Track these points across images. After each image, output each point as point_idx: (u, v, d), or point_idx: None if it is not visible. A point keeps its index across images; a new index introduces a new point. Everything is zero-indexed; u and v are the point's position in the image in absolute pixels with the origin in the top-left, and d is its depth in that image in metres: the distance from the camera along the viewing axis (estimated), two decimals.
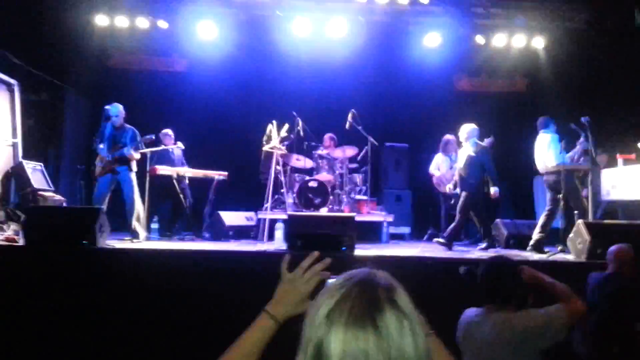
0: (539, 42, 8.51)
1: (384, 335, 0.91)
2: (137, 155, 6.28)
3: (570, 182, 5.92)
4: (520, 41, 8.45)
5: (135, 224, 6.06)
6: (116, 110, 6.26)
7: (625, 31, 7.71)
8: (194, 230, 6.98)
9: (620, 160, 6.54)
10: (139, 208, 6.17)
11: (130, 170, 6.21)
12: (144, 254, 5.17)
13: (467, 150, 6.41)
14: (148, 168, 6.56)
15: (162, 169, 6.73)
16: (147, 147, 6.54)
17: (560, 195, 5.82)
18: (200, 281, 4.44)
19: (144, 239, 6.08)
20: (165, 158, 6.99)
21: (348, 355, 0.90)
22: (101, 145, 6.13)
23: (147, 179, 6.51)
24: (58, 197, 6.25)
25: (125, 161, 6.16)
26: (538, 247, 5.76)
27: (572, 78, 8.24)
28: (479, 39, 8.45)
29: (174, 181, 6.78)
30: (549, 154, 6.05)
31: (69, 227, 4.84)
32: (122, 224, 6.23)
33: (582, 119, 6.15)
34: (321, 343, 0.93)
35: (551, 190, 6.05)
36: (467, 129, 6.53)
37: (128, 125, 6.34)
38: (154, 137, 6.56)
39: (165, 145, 7.05)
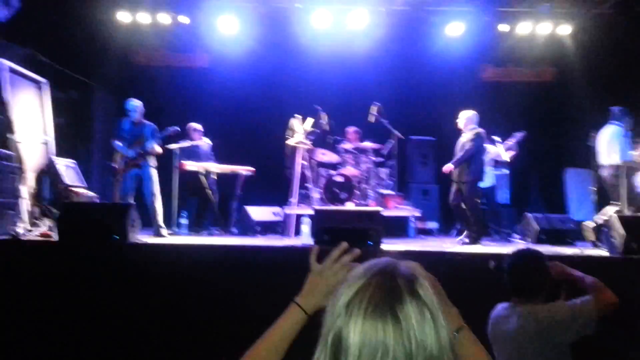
0: (566, 30, 8.28)
1: (403, 327, 0.89)
2: (159, 150, 6.37)
3: (614, 178, 5.83)
4: (546, 29, 8.23)
5: (157, 219, 6.14)
6: (134, 105, 6.34)
7: None
8: (222, 226, 7.05)
9: None
10: (159, 203, 6.24)
11: (152, 165, 6.30)
12: (173, 248, 5.26)
13: (465, 138, 6.23)
14: (176, 164, 6.64)
15: (190, 165, 6.80)
16: (172, 139, 6.60)
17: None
18: (229, 276, 4.48)
19: (166, 234, 6.14)
20: (192, 153, 7.06)
21: (367, 346, 0.89)
22: (119, 143, 6.24)
23: (176, 174, 6.59)
24: (91, 193, 6.37)
25: (147, 156, 6.25)
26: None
27: (602, 66, 7.97)
28: (503, 27, 8.27)
29: (202, 177, 6.85)
30: (607, 147, 5.94)
31: (101, 223, 4.91)
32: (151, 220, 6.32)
33: (614, 109, 5.99)
34: (340, 333, 0.92)
35: (607, 185, 5.97)
36: (466, 115, 6.35)
37: (147, 121, 6.42)
38: (179, 129, 6.61)
39: (193, 139, 7.12)
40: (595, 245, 5.49)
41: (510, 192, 7.57)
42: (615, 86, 7.66)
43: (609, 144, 5.96)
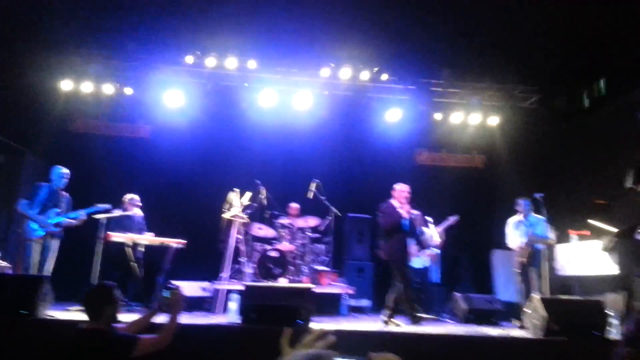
0: (494, 121, 8.92)
1: None
2: (77, 223, 6.15)
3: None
4: (476, 119, 8.85)
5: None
6: (63, 172, 6.17)
7: (573, 111, 8.15)
8: (144, 301, 6.66)
9: (573, 236, 6.71)
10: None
11: (60, 237, 6.08)
12: None
13: None
14: (101, 235, 6.34)
15: (116, 236, 6.52)
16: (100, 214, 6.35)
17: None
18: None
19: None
20: (124, 224, 6.79)
21: None
22: (35, 210, 5.95)
23: (100, 246, 6.28)
24: (4, 263, 5.93)
25: (60, 228, 6.04)
26: None
27: (526, 155, 8.57)
28: (437, 116, 8.83)
29: (127, 249, 6.55)
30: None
31: (10, 296, 4.56)
32: (73, 293, 5.87)
33: (536, 195, 6.35)
34: None
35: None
36: None
37: (64, 192, 6.22)
38: (110, 207, 6.38)
39: (126, 210, 6.88)
40: (521, 327, 5.56)
41: (441, 271, 7.68)
42: (538, 174, 8.19)
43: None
